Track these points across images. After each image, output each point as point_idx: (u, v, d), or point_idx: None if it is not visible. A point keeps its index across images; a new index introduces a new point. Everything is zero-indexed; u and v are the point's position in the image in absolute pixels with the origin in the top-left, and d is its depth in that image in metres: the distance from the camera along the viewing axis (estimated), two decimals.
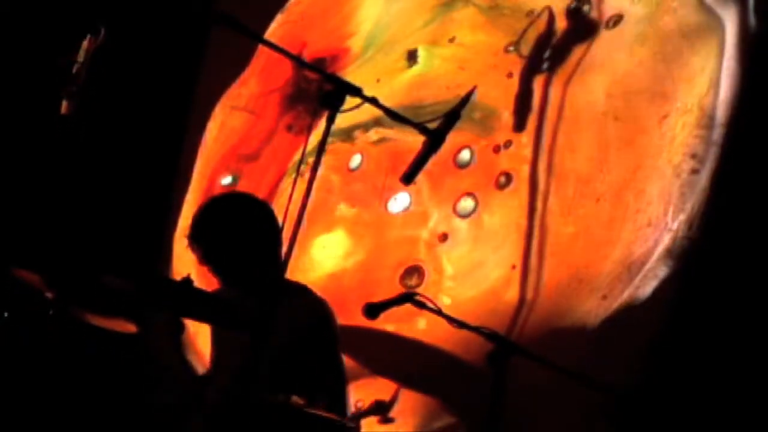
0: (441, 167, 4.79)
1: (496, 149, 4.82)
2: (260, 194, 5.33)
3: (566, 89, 4.68)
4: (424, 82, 5.21)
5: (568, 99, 4.66)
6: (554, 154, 4.63)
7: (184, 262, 5.13)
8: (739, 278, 3.99)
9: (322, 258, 5.22)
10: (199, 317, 3.84)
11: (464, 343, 4.32)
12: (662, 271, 4.16)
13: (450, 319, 3.54)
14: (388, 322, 4.61)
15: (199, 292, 3.63)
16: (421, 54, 5.30)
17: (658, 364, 4.06)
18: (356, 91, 3.14)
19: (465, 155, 4.89)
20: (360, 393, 4.69)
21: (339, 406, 3.83)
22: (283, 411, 3.31)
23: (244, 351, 3.28)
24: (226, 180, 5.86)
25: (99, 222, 5.68)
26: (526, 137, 4.74)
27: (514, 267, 4.58)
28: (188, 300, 3.55)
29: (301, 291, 3.96)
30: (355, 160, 5.32)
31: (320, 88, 5.30)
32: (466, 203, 4.84)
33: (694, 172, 4.20)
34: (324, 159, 3.09)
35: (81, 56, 3.74)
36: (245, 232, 3.91)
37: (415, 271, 4.88)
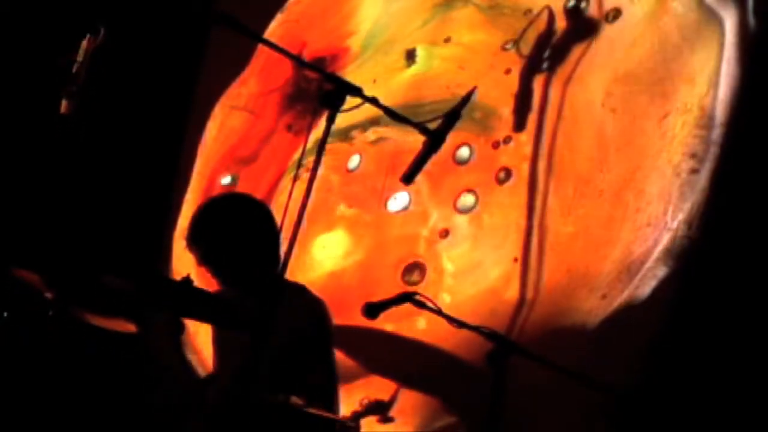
0: (440, 166, 4.79)
1: (495, 145, 4.82)
2: (259, 194, 5.34)
3: (566, 89, 4.68)
4: (423, 81, 5.21)
5: (568, 99, 4.66)
6: (554, 154, 4.63)
7: (184, 262, 5.13)
8: (739, 278, 3.99)
9: (323, 257, 5.23)
10: (199, 317, 3.85)
11: (464, 343, 4.32)
12: (662, 271, 4.16)
13: (450, 319, 3.54)
14: (387, 322, 4.61)
15: (199, 292, 3.62)
16: (420, 54, 5.30)
17: (658, 364, 4.06)
18: (356, 91, 3.14)
19: (464, 152, 4.89)
20: (360, 393, 4.69)
21: (330, 405, 3.84)
22: (283, 411, 3.32)
23: (244, 351, 3.28)
24: (226, 180, 5.86)
25: (99, 222, 5.68)
26: (526, 136, 4.74)
27: (516, 260, 4.58)
28: (188, 300, 3.55)
29: (300, 291, 3.96)
30: (354, 161, 5.32)
31: (320, 88, 5.30)
32: (467, 199, 4.84)
33: (694, 171, 4.20)
34: (323, 159, 3.09)
35: (81, 56, 3.74)
36: (244, 233, 3.92)
37: (416, 267, 4.88)
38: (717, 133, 4.18)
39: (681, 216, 4.17)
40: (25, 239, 5.16)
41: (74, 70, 3.72)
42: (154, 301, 3.67)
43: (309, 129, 5.09)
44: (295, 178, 3.17)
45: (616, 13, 4.62)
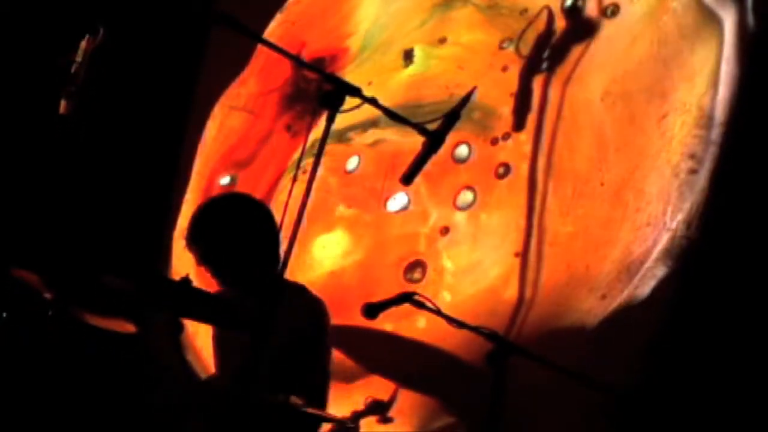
0: (439, 165, 4.79)
1: (494, 141, 4.82)
2: (259, 194, 5.34)
3: (565, 89, 4.68)
4: (422, 81, 5.21)
5: (567, 99, 4.66)
6: (553, 154, 4.63)
7: (184, 262, 5.13)
8: (738, 278, 3.99)
9: (322, 257, 5.23)
10: (199, 317, 3.85)
11: (464, 343, 4.32)
12: (661, 271, 4.16)
13: (449, 319, 3.55)
14: (387, 322, 4.62)
15: (199, 292, 3.63)
16: (418, 54, 5.30)
17: (658, 364, 4.06)
18: (356, 91, 3.14)
19: (463, 150, 4.89)
20: (360, 393, 4.70)
21: (323, 404, 3.85)
22: (283, 411, 3.32)
23: (244, 351, 3.28)
24: (225, 180, 5.86)
25: (99, 222, 5.68)
26: (525, 135, 4.74)
27: (517, 254, 4.57)
28: (188, 300, 3.56)
29: (300, 291, 3.97)
30: (352, 162, 5.32)
31: (319, 88, 5.30)
32: (466, 196, 4.84)
33: (693, 171, 4.20)
34: (322, 160, 3.10)
35: (80, 56, 3.75)
36: (244, 233, 3.92)
37: (417, 265, 4.88)
38: (716, 133, 4.18)
39: (680, 216, 4.17)
40: (24, 239, 5.16)
41: (73, 70, 3.73)
42: (153, 301, 3.67)
43: (308, 129, 5.08)
44: (294, 179, 3.17)
45: (614, 9, 4.62)
